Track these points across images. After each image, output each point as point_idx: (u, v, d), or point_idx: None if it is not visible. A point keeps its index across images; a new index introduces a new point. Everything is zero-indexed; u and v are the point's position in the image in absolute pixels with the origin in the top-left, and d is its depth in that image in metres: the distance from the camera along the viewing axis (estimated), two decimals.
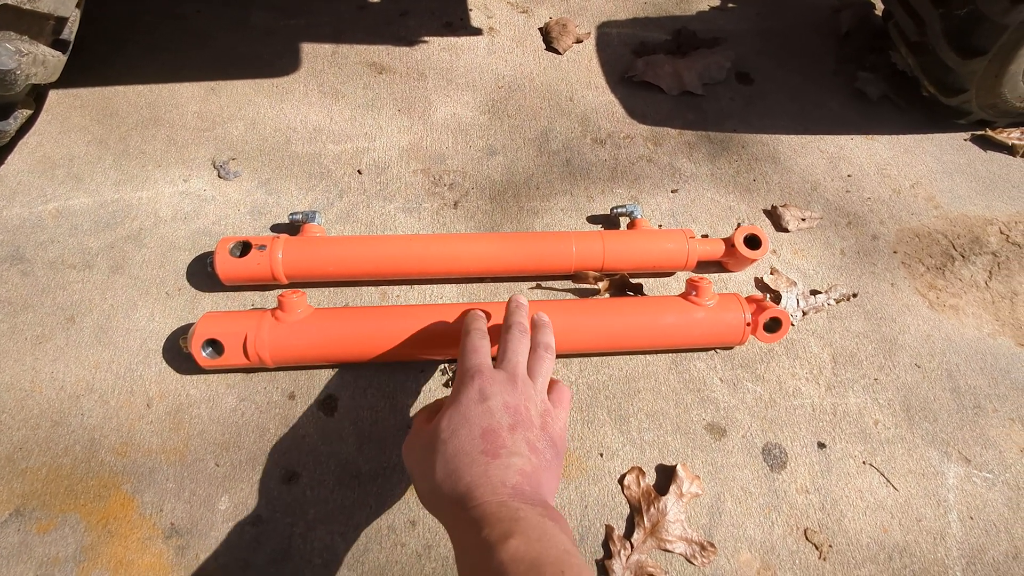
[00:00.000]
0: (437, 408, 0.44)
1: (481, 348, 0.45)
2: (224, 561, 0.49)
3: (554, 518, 0.35)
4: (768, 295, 0.66)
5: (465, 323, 0.48)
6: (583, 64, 0.85)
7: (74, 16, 0.60)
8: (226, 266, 0.56)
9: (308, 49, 0.81)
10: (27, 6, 0.51)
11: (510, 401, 0.40)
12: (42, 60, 0.56)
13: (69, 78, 0.65)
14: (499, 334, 0.48)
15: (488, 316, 0.52)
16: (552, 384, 0.46)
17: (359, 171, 0.70)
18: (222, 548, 0.49)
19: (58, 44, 0.60)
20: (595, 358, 0.60)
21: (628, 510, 0.53)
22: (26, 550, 0.48)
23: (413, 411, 0.56)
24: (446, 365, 0.58)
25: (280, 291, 0.58)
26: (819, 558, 0.52)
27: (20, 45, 0.52)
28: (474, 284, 0.64)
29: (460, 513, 0.35)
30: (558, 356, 0.59)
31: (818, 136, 0.81)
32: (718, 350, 0.62)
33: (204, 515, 0.50)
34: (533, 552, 0.31)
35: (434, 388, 0.57)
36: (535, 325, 0.49)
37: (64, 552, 0.48)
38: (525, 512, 0.34)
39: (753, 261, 0.63)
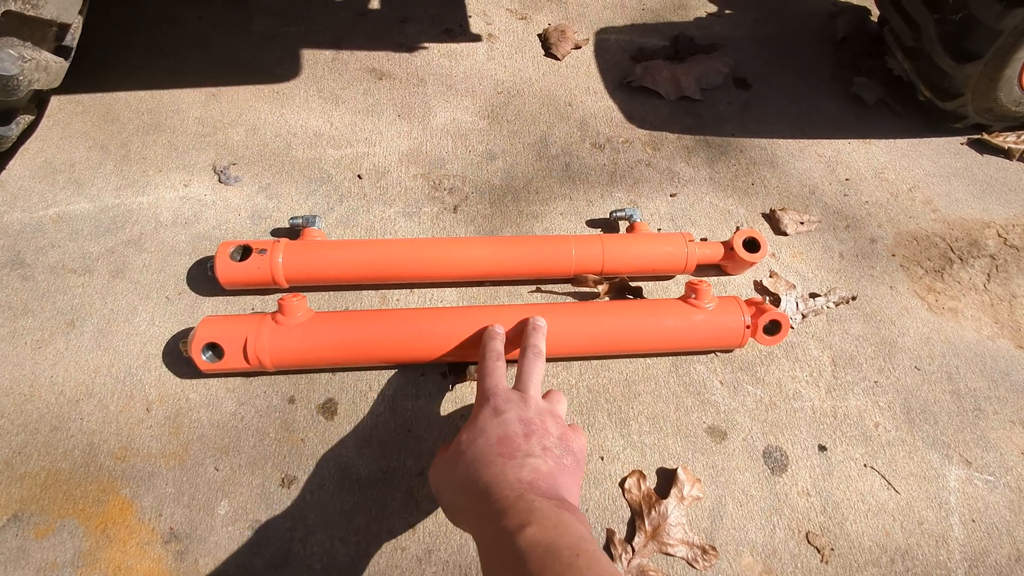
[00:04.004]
0: None
1: (496, 370, 0.48)
2: (223, 566, 0.48)
3: (570, 510, 0.36)
4: (767, 298, 0.66)
5: (482, 343, 0.51)
6: (582, 70, 0.85)
7: (76, 23, 0.61)
8: (226, 270, 0.56)
9: (308, 55, 0.81)
10: (30, 12, 0.52)
11: (524, 415, 0.43)
12: (44, 66, 0.56)
13: (70, 84, 0.66)
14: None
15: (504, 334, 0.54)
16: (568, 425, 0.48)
17: (359, 176, 0.70)
18: (221, 553, 0.49)
19: (60, 50, 0.61)
20: (595, 361, 0.60)
21: (629, 514, 0.53)
22: (24, 555, 0.47)
23: (413, 414, 0.56)
24: (447, 369, 0.58)
25: (280, 295, 0.58)
26: (821, 561, 0.52)
27: (23, 51, 0.53)
28: (474, 288, 0.64)
29: (481, 511, 0.37)
30: (559, 360, 0.60)
31: (816, 140, 0.81)
32: (718, 353, 0.62)
33: (203, 520, 0.50)
34: (549, 538, 0.32)
35: (434, 392, 0.57)
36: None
37: (62, 557, 0.48)
38: (541, 504, 0.35)
39: (752, 264, 0.64)
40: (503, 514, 0.35)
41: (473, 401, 0.56)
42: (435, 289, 0.64)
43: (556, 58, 0.86)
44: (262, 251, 0.56)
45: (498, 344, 0.51)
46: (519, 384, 0.47)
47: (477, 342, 0.53)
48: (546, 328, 0.53)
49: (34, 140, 0.69)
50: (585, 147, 0.77)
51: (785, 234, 0.71)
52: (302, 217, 0.62)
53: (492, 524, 0.35)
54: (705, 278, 0.66)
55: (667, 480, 0.54)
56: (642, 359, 0.61)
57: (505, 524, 0.34)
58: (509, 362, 0.57)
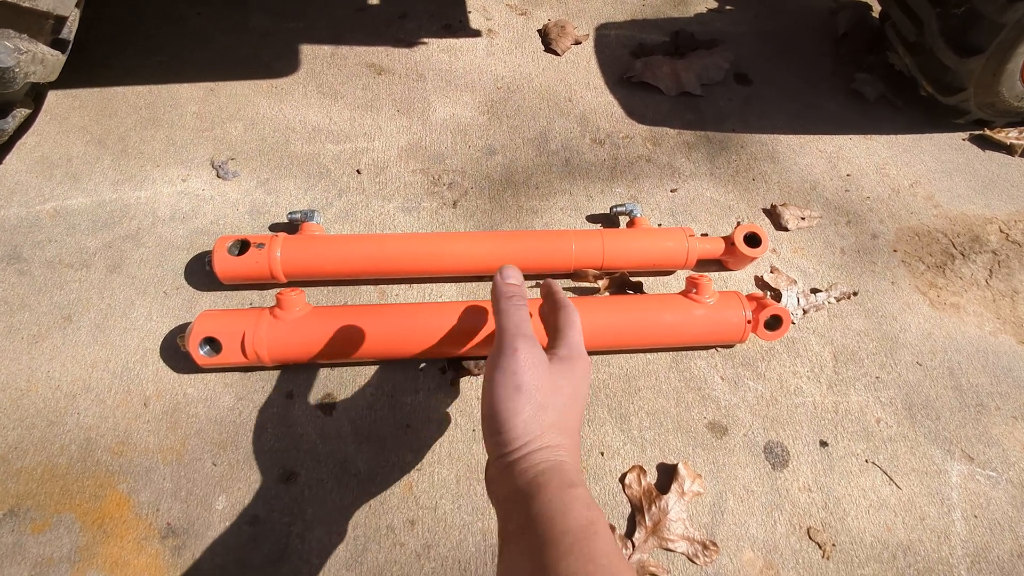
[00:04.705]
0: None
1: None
2: (221, 561, 0.48)
3: None
4: (768, 293, 0.66)
5: (549, 290, 0.45)
6: (582, 65, 0.85)
7: (73, 15, 0.60)
8: (224, 265, 0.56)
9: (307, 51, 0.81)
10: (26, 4, 0.51)
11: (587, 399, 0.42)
12: (41, 59, 0.56)
13: (68, 78, 0.65)
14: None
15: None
16: None
17: (358, 171, 0.70)
18: (219, 548, 0.48)
19: (57, 43, 0.60)
20: (595, 356, 0.60)
21: (629, 509, 0.53)
22: (20, 551, 0.47)
23: (412, 409, 0.56)
24: (446, 364, 0.58)
25: (278, 289, 0.58)
26: (822, 557, 0.52)
27: (19, 43, 0.52)
28: (473, 283, 0.64)
29: (575, 438, 0.37)
30: None
31: (817, 136, 0.81)
32: (719, 348, 0.62)
33: (201, 515, 0.50)
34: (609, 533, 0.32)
35: (434, 387, 0.57)
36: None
37: (59, 553, 0.47)
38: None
39: (753, 259, 0.63)
40: (577, 472, 0.35)
41: (480, 393, 0.56)
42: (434, 284, 0.63)
43: (556, 53, 0.85)
44: (260, 245, 0.56)
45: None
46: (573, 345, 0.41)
47: (475, 336, 0.53)
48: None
49: (31, 134, 0.69)
50: (585, 142, 0.76)
51: (786, 229, 0.71)
52: (300, 212, 0.62)
53: (567, 481, 0.33)
54: (706, 273, 0.65)
55: (667, 476, 0.54)
56: (642, 354, 0.60)
57: (582, 491, 0.33)
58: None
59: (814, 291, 0.66)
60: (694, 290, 0.57)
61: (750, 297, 0.59)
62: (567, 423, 0.37)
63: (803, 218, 0.71)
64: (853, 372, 0.62)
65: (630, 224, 0.66)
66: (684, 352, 0.61)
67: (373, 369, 0.57)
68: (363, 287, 0.62)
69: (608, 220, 0.69)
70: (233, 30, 0.81)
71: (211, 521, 0.49)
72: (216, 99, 0.74)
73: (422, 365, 0.58)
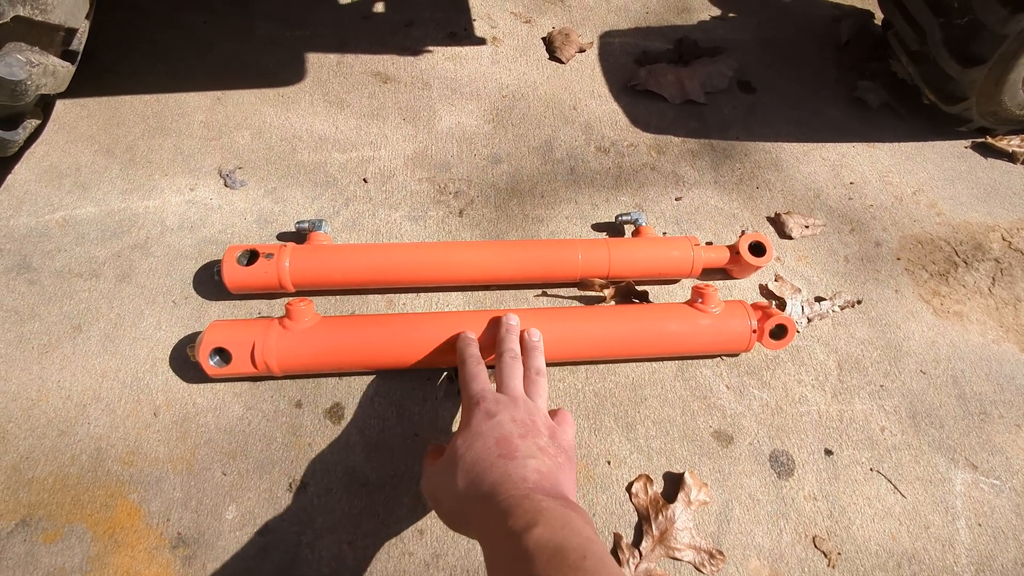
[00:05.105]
0: (442, 448, 0.47)
1: (480, 374, 0.48)
2: (231, 571, 0.48)
3: (575, 510, 0.36)
4: (773, 302, 0.66)
5: (458, 351, 0.51)
6: (586, 73, 0.85)
7: (83, 27, 0.61)
8: (233, 274, 0.56)
9: (313, 59, 0.81)
10: (38, 18, 0.52)
11: (516, 416, 0.43)
12: (52, 71, 0.56)
13: (75, 87, 0.65)
14: (492, 350, 0.52)
15: (479, 339, 0.53)
16: (555, 411, 0.49)
17: (365, 180, 0.71)
18: (229, 558, 0.49)
19: (67, 55, 0.61)
20: (601, 365, 0.60)
21: (636, 518, 0.53)
22: (32, 560, 0.47)
23: (420, 419, 0.56)
24: (453, 373, 0.58)
25: (287, 299, 0.58)
26: (828, 566, 0.52)
27: (31, 56, 0.53)
28: (480, 292, 0.64)
29: (486, 511, 0.37)
30: (565, 364, 0.60)
31: (820, 144, 0.81)
32: (724, 357, 0.62)
33: (211, 524, 0.50)
34: (556, 539, 0.32)
35: (441, 396, 0.57)
36: (526, 348, 0.51)
37: (70, 562, 0.48)
38: (547, 504, 0.35)
39: (758, 268, 0.64)
40: (509, 514, 0.35)
41: None
42: (441, 293, 0.64)
43: (560, 61, 0.86)
44: (269, 256, 0.57)
45: (474, 349, 0.51)
46: (501, 388, 0.47)
47: (485, 345, 0.53)
48: (519, 327, 0.53)
49: (40, 144, 0.69)
50: (590, 151, 0.77)
51: (790, 238, 0.71)
52: (308, 221, 0.62)
53: (498, 524, 0.35)
54: (711, 282, 0.66)
55: (674, 484, 0.54)
56: (648, 363, 0.61)
57: (512, 524, 0.34)
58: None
59: (818, 300, 0.66)
60: (700, 299, 0.58)
61: (755, 306, 0.59)
62: (476, 472, 0.39)
63: (807, 226, 0.72)
64: (857, 380, 0.62)
65: (635, 233, 0.66)
66: (690, 361, 0.61)
67: (381, 378, 0.58)
68: (371, 296, 0.63)
69: (613, 229, 0.70)
70: (238, 38, 0.82)
71: (221, 531, 0.50)
72: (223, 108, 0.75)
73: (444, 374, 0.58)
